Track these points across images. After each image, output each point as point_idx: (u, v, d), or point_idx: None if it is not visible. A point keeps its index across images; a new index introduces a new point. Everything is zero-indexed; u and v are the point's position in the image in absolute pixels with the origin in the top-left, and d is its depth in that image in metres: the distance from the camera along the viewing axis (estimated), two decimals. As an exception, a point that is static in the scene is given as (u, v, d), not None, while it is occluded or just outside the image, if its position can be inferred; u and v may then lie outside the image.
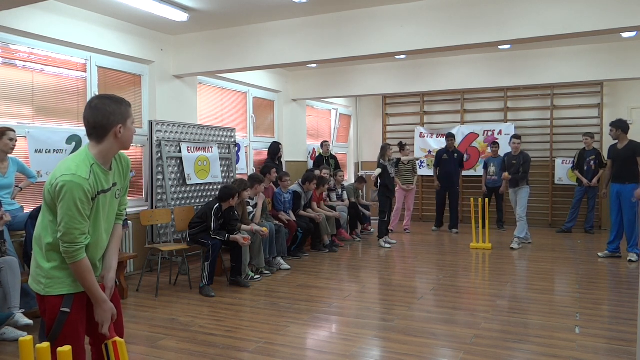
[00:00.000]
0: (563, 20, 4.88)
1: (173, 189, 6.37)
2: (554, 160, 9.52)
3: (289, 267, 6.17)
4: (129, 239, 5.86)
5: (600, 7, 4.73)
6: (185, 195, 6.54)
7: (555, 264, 6.39)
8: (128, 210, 5.53)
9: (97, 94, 3.78)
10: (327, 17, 5.84)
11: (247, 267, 5.56)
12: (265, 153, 8.23)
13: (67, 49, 5.47)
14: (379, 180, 7.61)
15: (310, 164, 9.45)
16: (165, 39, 6.58)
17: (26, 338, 1.53)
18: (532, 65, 7.90)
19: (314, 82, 9.18)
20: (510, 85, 8.54)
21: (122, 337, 2.16)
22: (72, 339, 2.01)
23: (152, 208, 6.13)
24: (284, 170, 7.97)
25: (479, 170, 9.65)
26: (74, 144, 5.36)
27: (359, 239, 8.33)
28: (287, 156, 8.86)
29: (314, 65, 8.47)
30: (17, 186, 4.61)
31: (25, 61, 5.14)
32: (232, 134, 7.37)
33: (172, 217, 6.03)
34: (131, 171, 2.40)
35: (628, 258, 6.41)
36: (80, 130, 5.40)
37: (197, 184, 6.69)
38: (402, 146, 8.83)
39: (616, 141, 6.50)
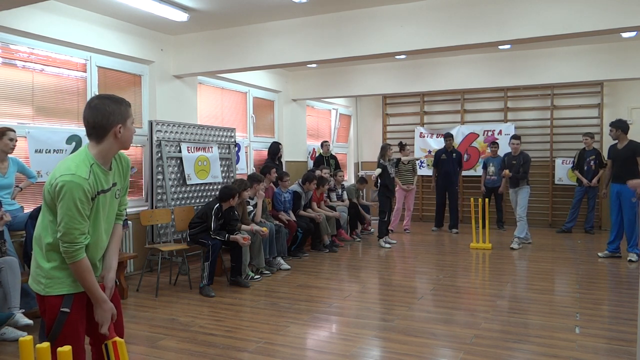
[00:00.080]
0: (563, 20, 4.88)
1: (173, 189, 6.37)
2: (554, 160, 9.52)
3: (289, 267, 6.17)
4: (129, 239, 5.86)
5: (600, 7, 4.73)
6: (185, 195, 6.54)
7: (555, 264, 6.39)
8: (128, 210, 5.53)
9: (97, 94, 3.78)
10: (327, 17, 5.84)
11: (247, 267, 5.56)
12: (265, 153, 8.23)
13: (67, 49, 5.47)
14: (379, 180, 7.61)
15: (310, 164, 9.45)
16: (165, 39, 6.58)
17: (26, 338, 1.53)
18: (532, 65, 7.90)
19: (314, 82, 9.18)
20: (510, 85, 8.55)
21: (122, 337, 2.16)
22: (72, 339, 2.01)
23: (152, 208, 6.13)
24: (284, 170, 7.97)
25: (479, 170, 9.65)
26: (74, 144, 5.36)
27: (359, 239, 8.33)
28: (287, 156, 8.87)
29: (314, 65, 8.47)
30: (17, 186, 4.61)
31: (25, 61, 5.14)
32: (232, 134, 7.37)
33: (172, 217, 6.03)
34: (132, 167, 2.40)
35: (628, 258, 6.41)
36: (80, 130, 5.40)
37: (197, 184, 6.69)
38: (402, 146, 8.83)
39: (616, 141, 6.50)
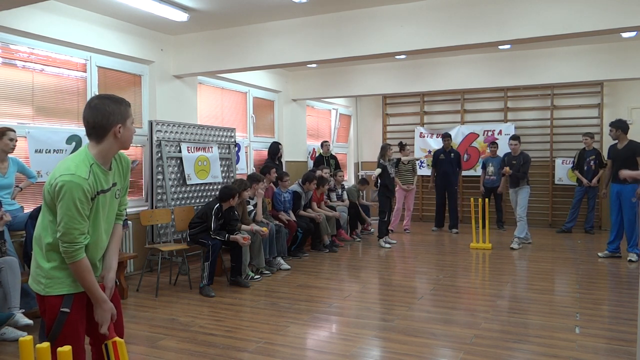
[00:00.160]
0: (563, 20, 4.88)
1: (173, 189, 6.37)
2: (554, 160, 9.52)
3: (289, 267, 6.17)
4: (129, 239, 5.86)
5: (600, 7, 4.73)
6: (185, 195, 6.54)
7: (555, 264, 6.39)
8: (128, 210, 5.53)
9: (97, 94, 3.79)
10: (327, 17, 5.84)
11: (247, 267, 5.56)
12: (265, 153, 8.23)
13: (67, 49, 5.47)
14: (379, 180, 7.61)
15: (310, 164, 9.45)
16: (165, 39, 6.58)
17: (26, 338, 1.53)
18: (532, 65, 7.90)
19: (314, 82, 9.18)
20: (510, 85, 8.55)
21: (122, 337, 2.16)
22: (72, 339, 2.01)
23: (152, 208, 6.13)
24: (283, 170, 7.97)
25: (479, 171, 9.65)
26: (74, 144, 5.36)
27: (359, 239, 8.33)
28: (287, 156, 8.86)
29: (314, 65, 8.47)
30: (17, 186, 4.61)
31: (25, 61, 5.14)
32: (232, 134, 7.37)
33: (172, 217, 6.03)
34: (134, 160, 2.40)
35: (628, 258, 6.41)
36: (80, 130, 5.40)
37: (197, 184, 6.69)
38: (402, 146, 8.84)
39: (616, 141, 6.50)
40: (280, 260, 6.21)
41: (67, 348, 1.56)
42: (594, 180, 8.36)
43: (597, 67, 7.56)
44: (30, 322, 3.81)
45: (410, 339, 3.75)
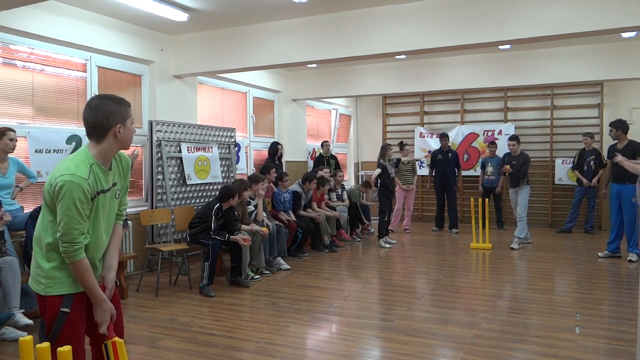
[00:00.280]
0: (563, 20, 4.88)
1: (173, 189, 6.37)
2: (554, 160, 9.52)
3: (289, 267, 6.17)
4: (129, 239, 5.86)
5: (600, 7, 4.73)
6: (185, 195, 6.54)
7: (555, 264, 6.39)
8: (128, 210, 5.52)
9: (97, 94, 3.79)
10: (327, 17, 5.84)
11: (247, 267, 5.56)
12: (265, 153, 8.23)
13: (67, 49, 5.47)
14: (379, 181, 7.61)
15: (310, 164, 9.45)
16: (165, 39, 6.58)
17: (26, 338, 1.53)
18: (532, 65, 7.90)
19: (314, 82, 9.18)
20: (510, 85, 8.55)
21: (122, 338, 2.16)
22: (72, 339, 2.01)
23: (152, 208, 6.13)
24: (283, 170, 7.97)
25: (479, 171, 9.65)
26: (74, 144, 5.36)
27: (359, 239, 8.33)
28: (287, 156, 8.86)
29: (314, 65, 8.47)
30: (17, 186, 4.61)
31: (25, 61, 5.14)
32: (232, 134, 7.37)
33: (172, 217, 6.03)
34: (134, 151, 2.40)
35: (628, 258, 6.41)
36: (80, 130, 5.40)
37: (197, 184, 6.69)
38: (401, 146, 8.84)
39: (616, 141, 6.50)
40: (280, 260, 6.21)
41: (67, 348, 1.56)
42: (594, 180, 8.36)
43: (597, 67, 7.56)
44: (30, 322, 3.81)
45: (410, 339, 3.75)
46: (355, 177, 11.35)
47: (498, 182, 8.87)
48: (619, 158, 4.69)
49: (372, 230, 8.95)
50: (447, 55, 8.17)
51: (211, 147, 6.94)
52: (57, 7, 5.18)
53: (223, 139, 7.19)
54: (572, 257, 6.80)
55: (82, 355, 2.10)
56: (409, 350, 3.54)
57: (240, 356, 3.47)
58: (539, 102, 9.76)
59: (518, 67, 8.00)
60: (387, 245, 7.62)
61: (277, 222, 6.49)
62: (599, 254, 6.70)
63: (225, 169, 7.23)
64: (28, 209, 4.72)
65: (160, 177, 6.23)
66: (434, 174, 9.22)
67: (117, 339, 2.07)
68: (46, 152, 5.11)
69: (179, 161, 6.48)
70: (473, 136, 10.11)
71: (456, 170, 9.15)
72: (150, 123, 6.21)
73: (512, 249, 7.33)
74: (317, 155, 9.48)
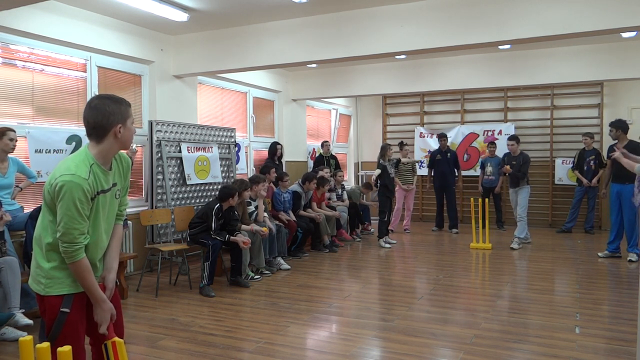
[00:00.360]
0: (563, 20, 4.88)
1: (173, 189, 6.37)
2: (554, 160, 9.52)
3: (289, 267, 6.17)
4: (129, 239, 5.86)
5: (600, 7, 4.73)
6: (185, 195, 6.54)
7: (555, 264, 6.39)
8: (128, 210, 5.51)
9: (97, 94, 3.79)
10: (327, 17, 5.84)
11: (247, 267, 5.56)
12: (265, 153, 8.24)
13: (67, 49, 5.47)
14: (379, 181, 7.61)
15: (311, 164, 9.45)
16: (165, 39, 6.58)
17: (26, 338, 1.53)
18: (532, 65, 7.91)
19: (314, 82, 9.18)
20: (510, 85, 8.55)
21: (122, 338, 2.16)
22: (72, 339, 2.01)
23: (152, 208, 6.13)
24: (283, 170, 7.97)
25: (479, 171, 9.65)
26: (74, 144, 5.36)
27: (359, 239, 8.33)
28: (287, 156, 8.86)
29: (314, 65, 8.47)
30: (17, 186, 4.61)
31: (25, 61, 5.14)
32: (232, 134, 7.37)
33: (172, 217, 6.03)
34: (132, 145, 2.39)
35: (628, 258, 6.41)
36: (80, 130, 5.40)
37: (197, 184, 6.69)
38: (401, 145, 8.84)
39: (616, 141, 6.49)
40: (280, 260, 6.21)
41: (67, 348, 1.56)
42: (594, 180, 8.36)
43: (597, 67, 7.56)
44: (30, 322, 3.81)
45: (410, 339, 3.75)
46: (355, 177, 11.35)
47: (498, 182, 8.88)
48: (617, 154, 4.67)
49: (372, 230, 8.95)
50: (447, 55, 8.17)
51: (211, 147, 6.94)
52: (57, 7, 5.18)
53: (223, 139, 7.19)
54: (572, 257, 6.80)
55: (82, 355, 2.10)
56: (409, 350, 3.54)
57: (240, 356, 3.47)
58: (539, 102, 9.76)
59: (518, 67, 8.00)
60: (387, 245, 7.63)
61: (277, 222, 6.49)
62: (599, 254, 6.70)
63: (225, 169, 7.23)
64: (28, 209, 4.72)
65: (160, 177, 6.23)
66: (433, 174, 9.22)
67: (117, 339, 2.07)
68: (46, 152, 5.11)
69: (179, 161, 6.48)
70: (473, 136, 10.11)
71: (455, 170, 9.15)
72: (150, 123, 6.21)
73: (512, 249, 7.33)
74: (317, 155, 9.48)
